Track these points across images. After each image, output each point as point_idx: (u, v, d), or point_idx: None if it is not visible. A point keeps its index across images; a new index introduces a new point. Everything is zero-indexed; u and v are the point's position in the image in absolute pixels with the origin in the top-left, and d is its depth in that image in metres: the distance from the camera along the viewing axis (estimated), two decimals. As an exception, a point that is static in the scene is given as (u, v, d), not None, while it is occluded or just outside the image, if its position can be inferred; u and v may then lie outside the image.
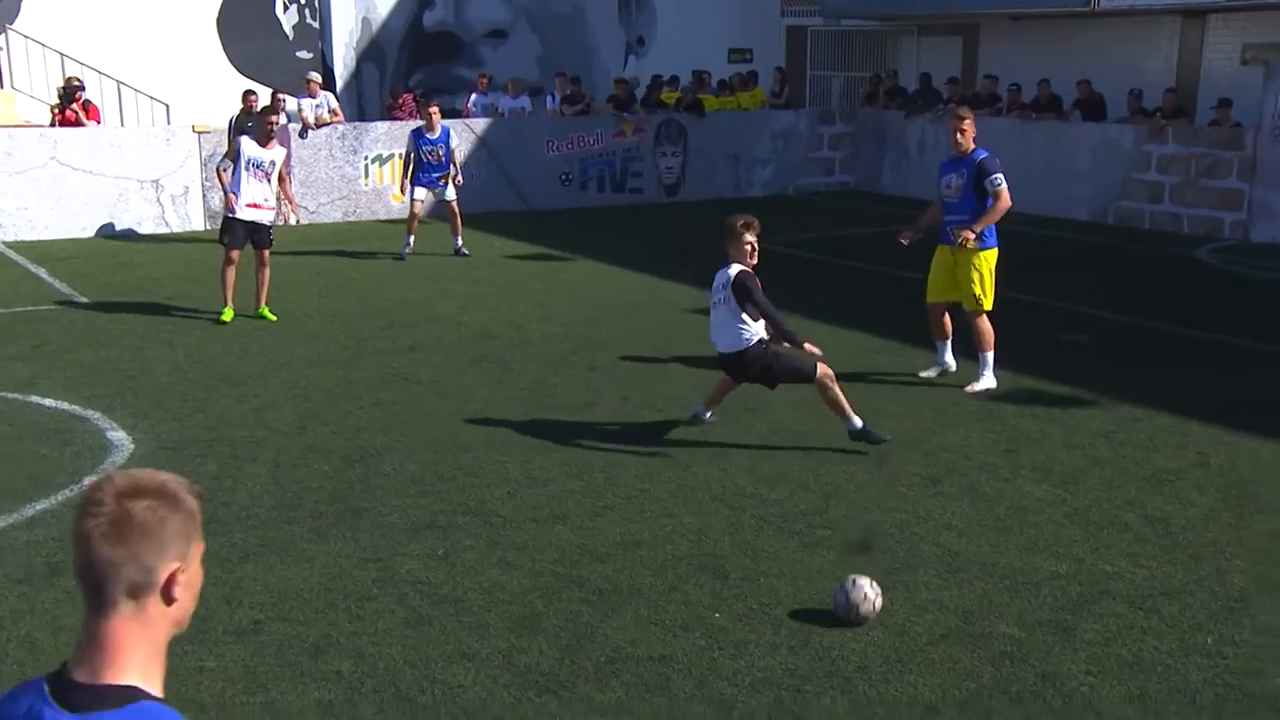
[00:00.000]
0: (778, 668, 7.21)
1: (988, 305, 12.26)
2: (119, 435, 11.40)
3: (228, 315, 15.44)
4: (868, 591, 7.41)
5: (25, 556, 8.91)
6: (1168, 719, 6.65)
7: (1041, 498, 9.53)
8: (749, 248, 10.52)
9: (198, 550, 2.79)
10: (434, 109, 20.12)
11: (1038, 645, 7.37)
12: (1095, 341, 14.05)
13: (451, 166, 19.81)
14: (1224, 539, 8.75)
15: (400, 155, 21.19)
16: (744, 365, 10.63)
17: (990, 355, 12.31)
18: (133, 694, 2.70)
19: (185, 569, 2.75)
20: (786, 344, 10.57)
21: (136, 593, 2.70)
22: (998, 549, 8.63)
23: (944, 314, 12.53)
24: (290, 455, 10.96)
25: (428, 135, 19.71)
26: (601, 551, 8.78)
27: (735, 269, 10.50)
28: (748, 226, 10.59)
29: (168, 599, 2.74)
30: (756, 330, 10.48)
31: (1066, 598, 7.94)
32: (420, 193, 19.70)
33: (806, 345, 10.48)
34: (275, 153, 15.61)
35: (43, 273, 18.12)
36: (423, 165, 19.73)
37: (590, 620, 7.86)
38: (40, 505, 9.81)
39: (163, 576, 2.72)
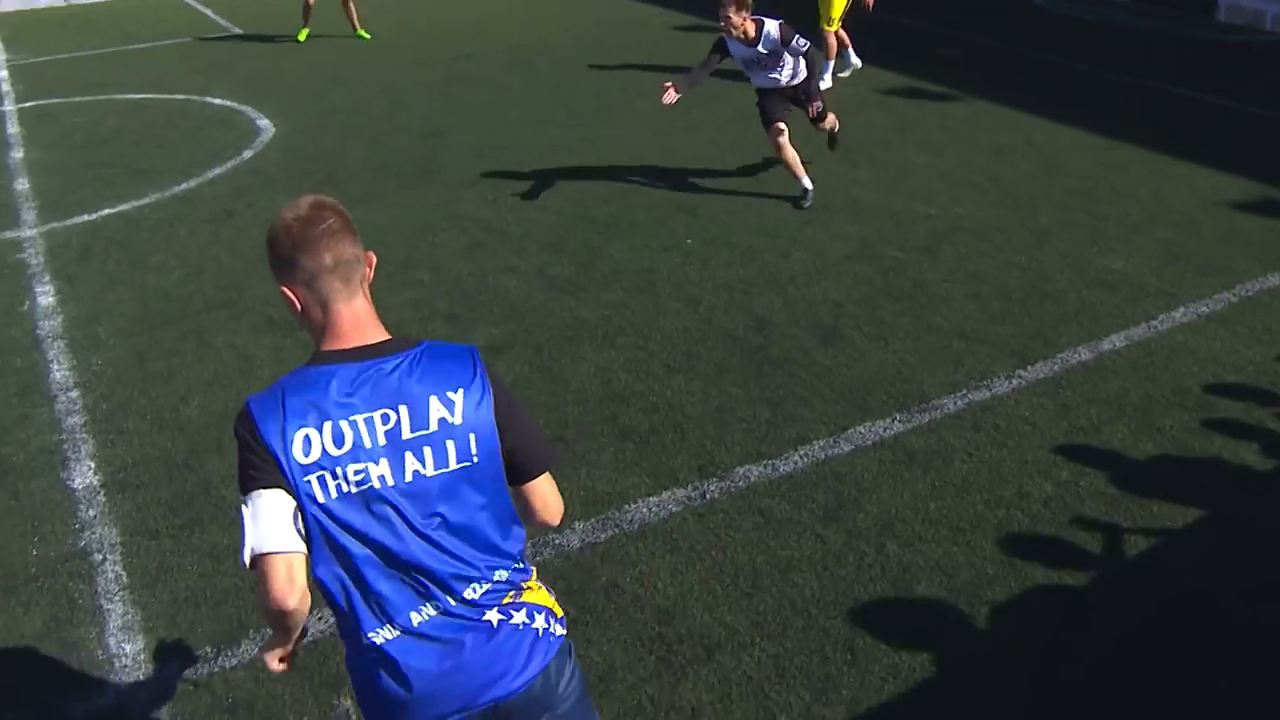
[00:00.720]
0: (732, 277, 7.30)
1: (835, 27, 11.74)
2: (265, 122, 11.32)
3: (303, 36, 15.05)
4: None
5: (209, 205, 9.09)
6: (993, 308, 6.78)
7: (920, 163, 9.45)
8: (722, 22, 8.25)
9: None
10: None
11: (913, 262, 7.44)
12: (962, 55, 13.74)
13: None
14: (1038, 193, 8.71)
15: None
16: None
17: (831, 64, 11.89)
18: (412, 337, 2.60)
19: None
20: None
21: (364, 277, 2.57)
22: (888, 198, 8.61)
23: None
24: (382, 132, 10.86)
25: None
26: (606, 197, 8.76)
27: None
28: (722, 4, 8.14)
29: (370, 278, 2.60)
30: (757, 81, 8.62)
31: (933, 231, 7.97)
32: None
33: (666, 93, 8.17)
34: None
35: (209, 11, 17.64)
36: None
37: (598, 244, 7.90)
38: (216, 170, 9.94)
39: (367, 263, 2.59)
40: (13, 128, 11.85)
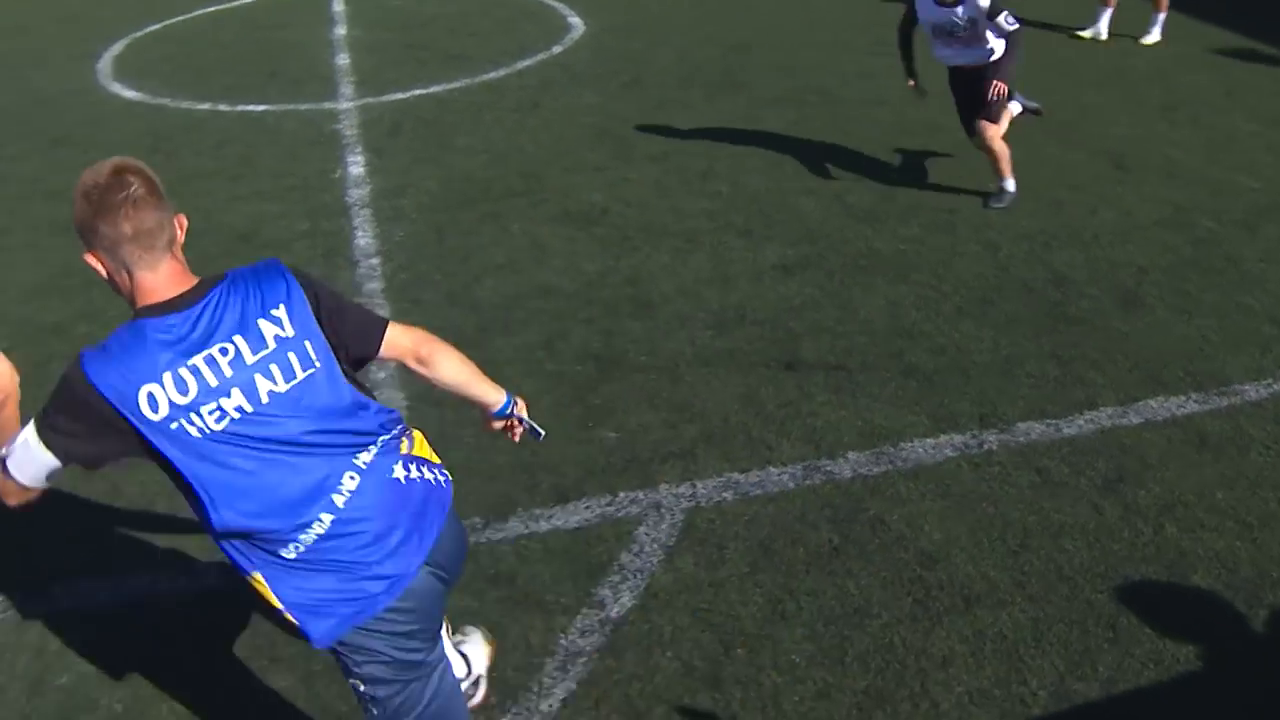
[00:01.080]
0: (1034, 227, 7.01)
1: None
2: (576, 20, 11.58)
3: None
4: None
5: (517, 95, 9.46)
6: (1320, 299, 6.31)
7: (1249, 131, 8.81)
8: None
9: None
10: None
11: (1228, 236, 6.98)
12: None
13: None
14: (1386, 178, 8.05)
15: None
16: None
17: (1161, 16, 11.12)
18: (216, 274, 2.61)
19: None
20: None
21: (172, 240, 2.52)
22: (1208, 164, 8.07)
23: None
24: (690, 42, 10.91)
25: None
26: (911, 129, 8.51)
27: None
28: None
29: (181, 240, 2.58)
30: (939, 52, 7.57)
31: (1255, 206, 7.44)
32: None
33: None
34: None
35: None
36: None
37: (899, 177, 7.74)
38: (526, 62, 10.32)
39: (178, 225, 2.57)
40: (338, 5, 12.52)
